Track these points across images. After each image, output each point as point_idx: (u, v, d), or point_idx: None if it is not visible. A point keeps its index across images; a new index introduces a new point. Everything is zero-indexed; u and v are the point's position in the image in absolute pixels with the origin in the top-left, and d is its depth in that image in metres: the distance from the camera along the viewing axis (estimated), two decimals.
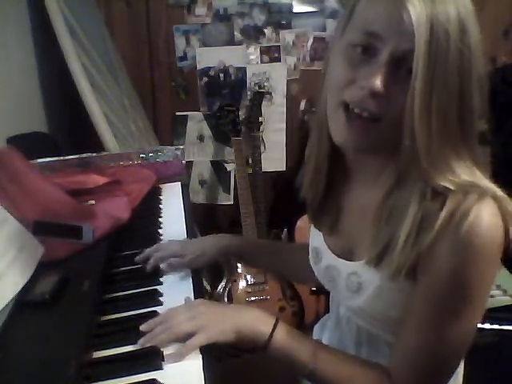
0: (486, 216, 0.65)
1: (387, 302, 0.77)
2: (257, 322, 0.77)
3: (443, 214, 0.66)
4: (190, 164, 2.44)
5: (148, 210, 1.23)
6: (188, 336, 0.74)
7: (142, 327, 0.76)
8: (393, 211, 0.72)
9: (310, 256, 0.95)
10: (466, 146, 0.68)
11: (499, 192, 0.69)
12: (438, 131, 0.65)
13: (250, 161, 2.28)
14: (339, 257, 0.85)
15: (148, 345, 0.74)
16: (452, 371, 0.77)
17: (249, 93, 2.35)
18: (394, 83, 0.65)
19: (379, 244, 0.73)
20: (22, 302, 0.80)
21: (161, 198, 1.31)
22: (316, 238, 0.93)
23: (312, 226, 0.95)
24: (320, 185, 0.86)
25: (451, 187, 0.67)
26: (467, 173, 0.68)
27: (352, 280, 0.81)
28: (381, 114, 0.67)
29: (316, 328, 1.11)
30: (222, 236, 1.08)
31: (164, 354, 0.72)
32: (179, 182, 1.39)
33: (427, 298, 0.71)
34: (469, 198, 0.66)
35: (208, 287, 2.09)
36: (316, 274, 0.94)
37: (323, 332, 1.05)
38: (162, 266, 0.97)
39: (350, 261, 0.83)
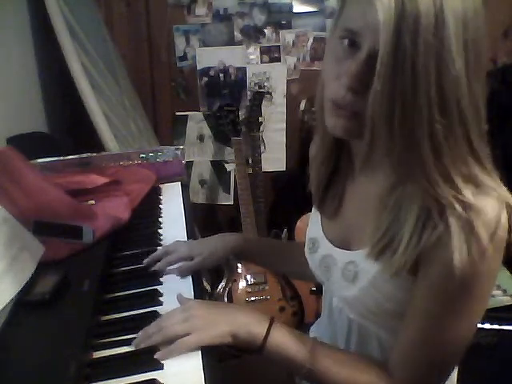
0: (490, 218, 0.66)
1: (382, 294, 0.77)
2: (252, 323, 0.77)
3: (446, 216, 0.66)
4: (190, 164, 2.44)
5: (148, 210, 1.23)
6: (180, 338, 0.74)
7: (139, 334, 0.76)
8: (397, 206, 0.72)
9: (305, 247, 0.95)
10: (456, 153, 0.65)
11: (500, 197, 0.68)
12: (404, 134, 0.63)
13: (250, 161, 2.28)
14: (337, 246, 0.86)
15: (141, 346, 0.74)
16: (451, 369, 0.78)
17: (249, 93, 2.36)
18: (373, 79, 0.63)
19: (382, 239, 0.73)
20: (22, 301, 0.80)
21: (161, 197, 1.31)
22: (314, 229, 0.93)
23: (311, 217, 0.95)
24: (326, 172, 0.87)
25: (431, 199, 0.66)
26: (462, 179, 0.66)
27: (349, 269, 0.81)
28: (361, 108, 0.67)
29: (312, 329, 1.11)
30: (229, 235, 1.07)
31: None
32: (179, 182, 1.38)
33: (429, 295, 0.71)
34: (470, 202, 0.66)
35: (208, 287, 2.09)
36: (310, 264, 0.94)
37: (317, 331, 1.05)
38: (169, 269, 0.96)
39: (348, 250, 0.83)
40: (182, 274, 0.95)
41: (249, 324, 0.77)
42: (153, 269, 0.96)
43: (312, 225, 0.95)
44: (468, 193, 0.66)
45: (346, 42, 0.67)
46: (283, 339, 0.77)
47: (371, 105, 0.63)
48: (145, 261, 0.98)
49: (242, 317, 0.78)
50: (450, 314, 0.71)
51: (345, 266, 0.82)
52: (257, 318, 0.79)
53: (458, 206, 0.65)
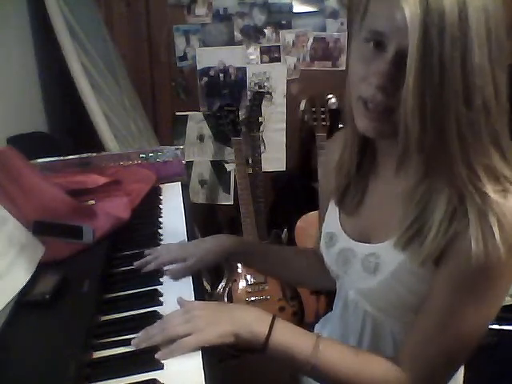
0: (508, 213, 0.67)
1: (403, 286, 0.77)
2: (254, 322, 0.77)
3: (466, 207, 0.68)
4: (190, 164, 2.44)
5: (148, 210, 1.23)
6: (181, 338, 0.73)
7: (140, 334, 0.76)
8: (425, 198, 0.74)
9: (321, 241, 0.95)
10: (480, 144, 0.67)
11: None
12: (434, 127, 0.65)
13: (250, 161, 2.28)
14: (355, 241, 0.87)
15: (142, 346, 0.74)
16: (460, 364, 0.78)
17: (249, 93, 2.35)
18: (402, 77, 0.65)
19: (411, 228, 0.74)
20: (22, 302, 0.80)
21: (161, 197, 1.31)
22: (331, 224, 0.94)
23: (328, 212, 0.96)
24: (351, 169, 0.88)
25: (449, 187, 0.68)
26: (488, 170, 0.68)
27: (370, 260, 0.82)
28: (392, 106, 0.69)
29: (317, 327, 1.11)
30: (222, 237, 1.07)
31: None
32: (179, 182, 1.38)
33: (447, 286, 0.72)
34: (495, 195, 0.68)
35: (208, 287, 2.09)
36: (326, 258, 0.94)
37: (325, 328, 1.05)
38: (166, 272, 0.95)
39: (368, 243, 0.84)
40: (175, 276, 0.93)
41: (251, 323, 0.77)
42: (143, 271, 0.95)
43: (329, 220, 0.95)
44: (489, 186, 0.68)
45: (371, 43, 0.70)
46: (286, 337, 0.77)
47: (404, 101, 0.65)
48: (136, 263, 0.96)
49: (243, 316, 0.78)
50: (467, 307, 0.72)
51: (365, 257, 0.83)
52: (259, 316, 0.78)
53: (477, 198, 0.67)
